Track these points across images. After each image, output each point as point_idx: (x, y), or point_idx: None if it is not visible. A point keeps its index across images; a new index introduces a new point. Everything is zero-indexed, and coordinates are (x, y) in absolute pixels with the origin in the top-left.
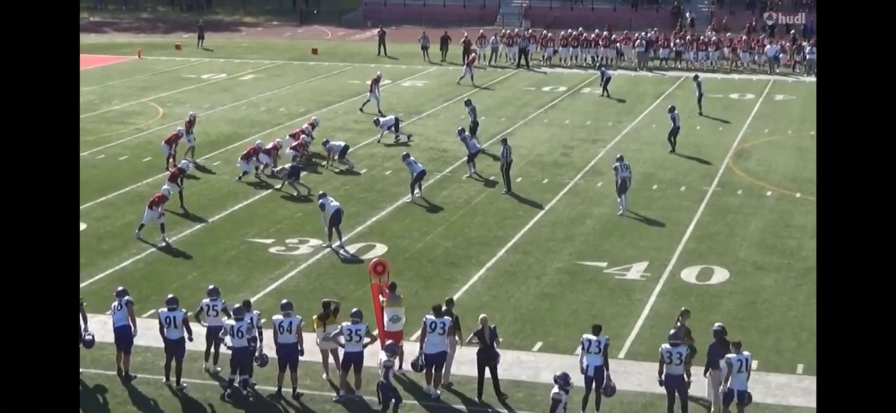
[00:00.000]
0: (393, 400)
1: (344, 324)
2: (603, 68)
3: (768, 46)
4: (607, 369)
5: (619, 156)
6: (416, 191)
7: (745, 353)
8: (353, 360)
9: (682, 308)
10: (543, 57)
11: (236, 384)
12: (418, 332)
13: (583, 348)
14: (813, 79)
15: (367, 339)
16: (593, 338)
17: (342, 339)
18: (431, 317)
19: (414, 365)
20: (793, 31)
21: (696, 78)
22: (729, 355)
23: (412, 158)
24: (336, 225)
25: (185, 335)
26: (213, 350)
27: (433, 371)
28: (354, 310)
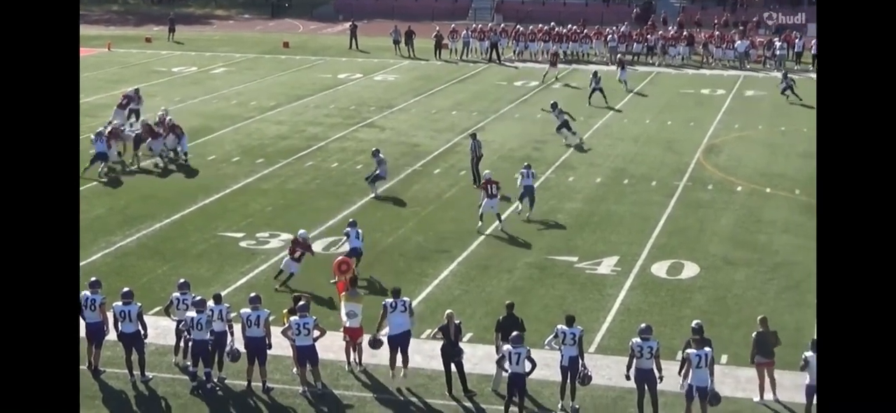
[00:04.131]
0: None
1: (292, 318)
2: (596, 73)
3: (738, 42)
4: (582, 359)
5: (526, 165)
6: (378, 188)
7: (707, 349)
8: (306, 354)
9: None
10: (515, 52)
11: (201, 377)
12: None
13: (557, 338)
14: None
15: (316, 332)
16: (567, 329)
17: (291, 334)
18: (391, 299)
19: (371, 343)
20: (763, 28)
21: (594, 73)
22: (688, 350)
23: (382, 156)
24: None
25: (141, 330)
26: (183, 344)
27: (397, 354)
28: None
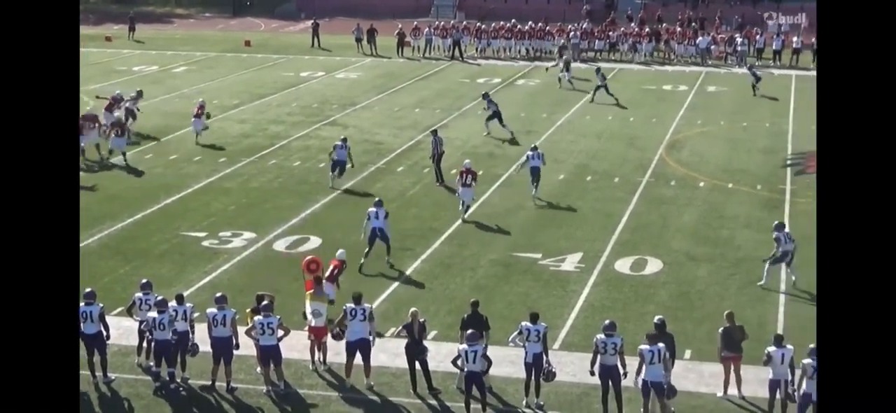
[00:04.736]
0: None
1: (256, 317)
2: (599, 70)
3: (700, 38)
4: (547, 356)
5: (533, 146)
6: (336, 177)
7: (660, 345)
8: (270, 354)
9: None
10: (477, 49)
11: (165, 377)
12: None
13: (521, 335)
14: (744, 70)
15: (280, 332)
16: (532, 326)
17: (255, 333)
18: (351, 304)
19: (333, 335)
20: (725, 25)
21: (598, 69)
22: (640, 346)
23: (340, 144)
24: (372, 243)
25: (103, 330)
26: (145, 345)
27: (357, 361)
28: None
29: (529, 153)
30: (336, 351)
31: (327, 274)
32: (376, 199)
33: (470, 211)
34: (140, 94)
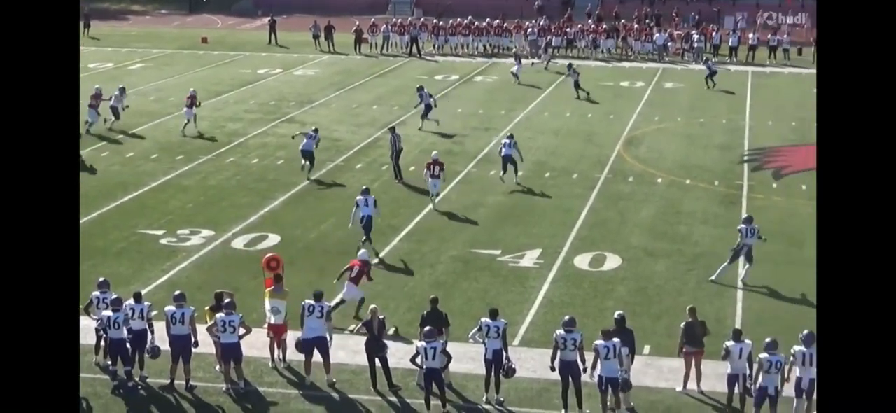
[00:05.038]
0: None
1: (218, 315)
2: (571, 66)
3: (657, 35)
4: (507, 352)
5: (509, 135)
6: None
7: (615, 340)
8: (231, 352)
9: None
10: (435, 46)
11: (122, 376)
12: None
13: (481, 332)
14: (700, 67)
15: (241, 330)
16: (491, 322)
17: (216, 331)
18: (310, 301)
19: (297, 346)
20: (679, 20)
21: (569, 66)
22: (596, 342)
23: (311, 134)
24: (368, 230)
25: None
26: (103, 344)
27: (316, 358)
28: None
29: (505, 141)
30: (298, 347)
31: (352, 275)
32: (363, 187)
33: (438, 199)
34: (123, 90)
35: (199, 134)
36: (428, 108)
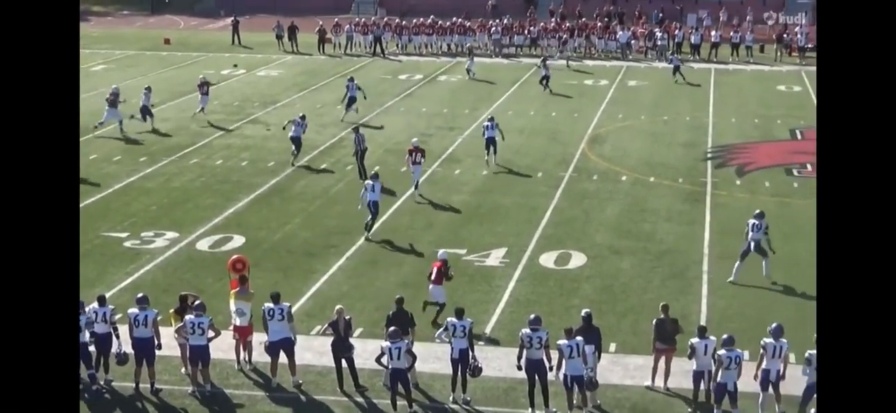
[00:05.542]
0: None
1: (187, 317)
2: (545, 60)
3: (620, 33)
4: (473, 351)
5: (490, 117)
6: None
7: (578, 338)
8: (199, 354)
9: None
10: (398, 45)
11: (85, 379)
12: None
13: (447, 331)
14: (665, 64)
15: (210, 333)
16: (457, 321)
17: (185, 333)
18: (270, 304)
19: (266, 349)
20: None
21: (543, 60)
22: (559, 341)
23: (298, 121)
24: (374, 215)
25: None
26: None
27: (282, 359)
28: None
29: (487, 123)
30: (261, 351)
31: (433, 277)
32: (372, 171)
33: (422, 181)
34: (149, 89)
35: (209, 123)
36: (352, 99)
